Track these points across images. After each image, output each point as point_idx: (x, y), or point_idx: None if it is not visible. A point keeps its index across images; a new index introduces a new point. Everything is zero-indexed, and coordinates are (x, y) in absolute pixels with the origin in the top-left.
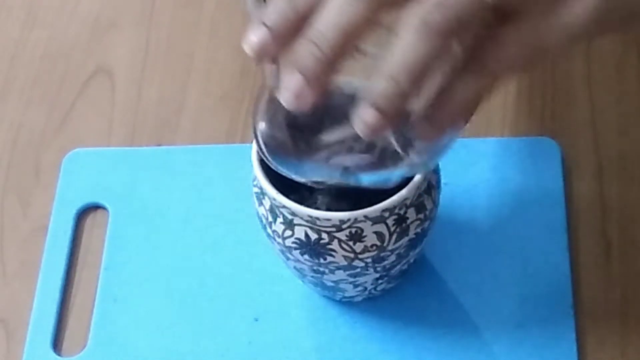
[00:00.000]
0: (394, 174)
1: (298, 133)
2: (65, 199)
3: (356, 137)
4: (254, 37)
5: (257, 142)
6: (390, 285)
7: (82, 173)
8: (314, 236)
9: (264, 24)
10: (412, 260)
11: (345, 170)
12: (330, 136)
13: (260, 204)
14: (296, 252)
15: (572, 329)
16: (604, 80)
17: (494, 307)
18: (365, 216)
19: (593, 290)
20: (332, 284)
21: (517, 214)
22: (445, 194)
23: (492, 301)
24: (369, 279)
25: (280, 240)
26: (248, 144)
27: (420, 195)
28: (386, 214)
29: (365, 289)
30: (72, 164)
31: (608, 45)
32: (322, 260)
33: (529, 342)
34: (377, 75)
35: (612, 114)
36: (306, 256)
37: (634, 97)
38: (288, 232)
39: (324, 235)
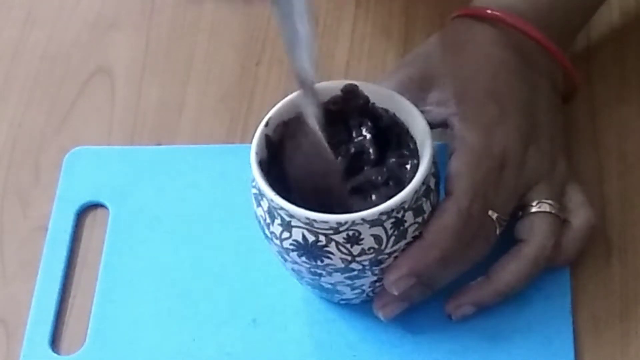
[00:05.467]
0: None
1: None
2: (65, 198)
3: None
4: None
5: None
6: None
7: (82, 172)
8: (311, 238)
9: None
10: None
11: None
12: None
13: (259, 205)
14: (294, 254)
15: (570, 330)
16: (604, 80)
17: (493, 308)
18: (362, 219)
19: (592, 291)
20: (329, 286)
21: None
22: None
23: None
24: (366, 281)
25: (278, 241)
26: (247, 144)
27: (418, 199)
28: (384, 217)
29: (363, 291)
30: (73, 162)
31: (608, 44)
32: (319, 263)
33: (527, 343)
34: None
35: (612, 114)
36: (303, 258)
37: (634, 97)
38: (286, 234)
39: (322, 238)
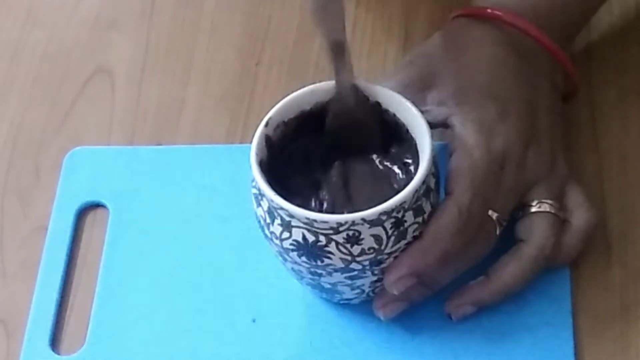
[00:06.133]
0: None
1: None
2: (65, 198)
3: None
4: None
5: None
6: None
7: (82, 171)
8: (311, 238)
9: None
10: None
11: None
12: None
13: (259, 205)
14: (294, 254)
15: (570, 330)
16: (604, 80)
17: (493, 308)
18: (362, 219)
19: (592, 291)
20: (329, 286)
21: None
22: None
23: None
24: (366, 281)
25: (278, 241)
26: (248, 144)
27: (418, 199)
28: (384, 217)
29: (363, 291)
30: (73, 162)
31: (608, 44)
32: (319, 263)
33: (528, 343)
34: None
35: (612, 114)
36: (303, 258)
37: (634, 97)
38: (286, 234)
39: (322, 238)
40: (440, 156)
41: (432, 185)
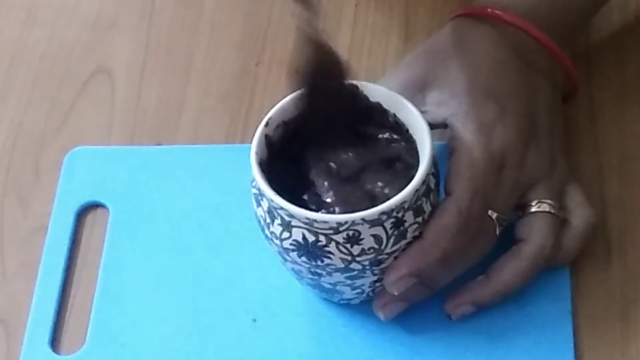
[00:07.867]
0: None
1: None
2: (65, 198)
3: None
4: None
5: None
6: None
7: (82, 171)
8: (311, 238)
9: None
10: None
11: None
12: None
13: (259, 205)
14: (294, 254)
15: (570, 330)
16: (604, 81)
17: (493, 308)
18: (362, 219)
19: (592, 291)
20: (329, 286)
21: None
22: None
23: None
24: (366, 281)
25: (278, 241)
26: (247, 144)
27: (418, 199)
28: (384, 217)
29: (363, 291)
30: (73, 162)
31: (608, 45)
32: (319, 263)
33: (527, 343)
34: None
35: (612, 114)
36: (303, 258)
37: (634, 98)
38: (286, 234)
39: (322, 238)
40: (440, 156)
41: (432, 185)
